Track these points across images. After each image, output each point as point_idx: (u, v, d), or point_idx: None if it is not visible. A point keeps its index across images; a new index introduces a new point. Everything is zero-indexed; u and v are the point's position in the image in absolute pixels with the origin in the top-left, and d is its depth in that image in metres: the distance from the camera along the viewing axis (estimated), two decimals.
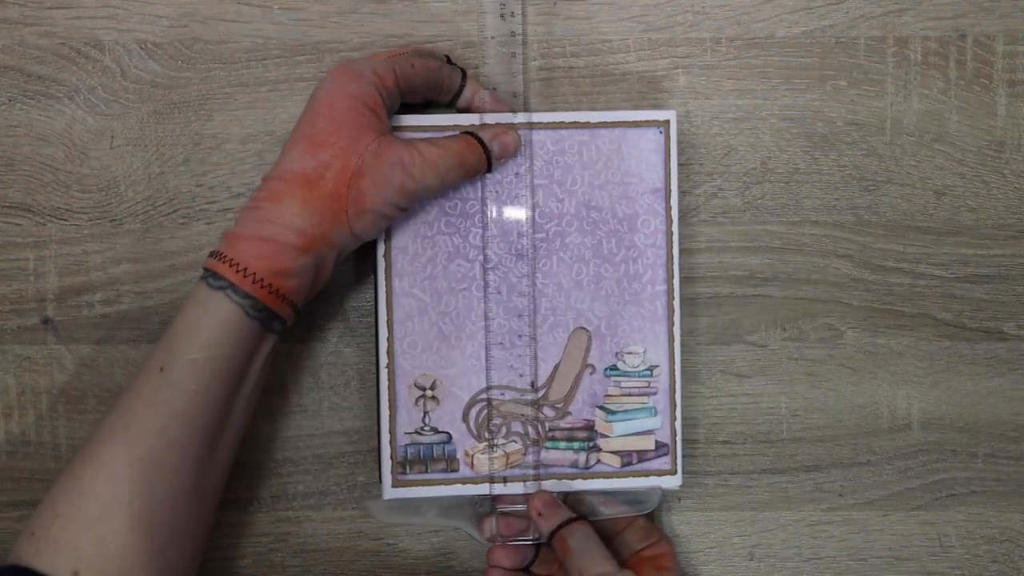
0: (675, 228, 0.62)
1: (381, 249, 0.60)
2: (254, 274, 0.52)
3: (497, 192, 0.61)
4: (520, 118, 0.60)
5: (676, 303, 0.62)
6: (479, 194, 0.61)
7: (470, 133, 0.59)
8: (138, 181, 0.64)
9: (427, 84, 0.59)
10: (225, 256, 0.53)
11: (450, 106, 0.61)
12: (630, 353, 0.62)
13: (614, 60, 0.64)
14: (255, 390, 0.57)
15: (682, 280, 0.64)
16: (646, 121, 0.61)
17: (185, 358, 0.52)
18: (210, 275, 0.53)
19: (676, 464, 0.62)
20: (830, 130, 0.65)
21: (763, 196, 0.65)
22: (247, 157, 0.64)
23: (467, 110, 0.61)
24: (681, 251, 0.64)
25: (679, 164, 0.63)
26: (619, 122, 0.61)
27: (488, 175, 0.60)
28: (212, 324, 0.52)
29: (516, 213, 0.61)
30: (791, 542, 0.67)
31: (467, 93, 0.60)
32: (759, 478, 0.66)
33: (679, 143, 0.63)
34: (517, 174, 0.61)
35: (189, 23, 0.63)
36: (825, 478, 0.66)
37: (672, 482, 0.62)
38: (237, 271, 0.52)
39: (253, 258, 0.52)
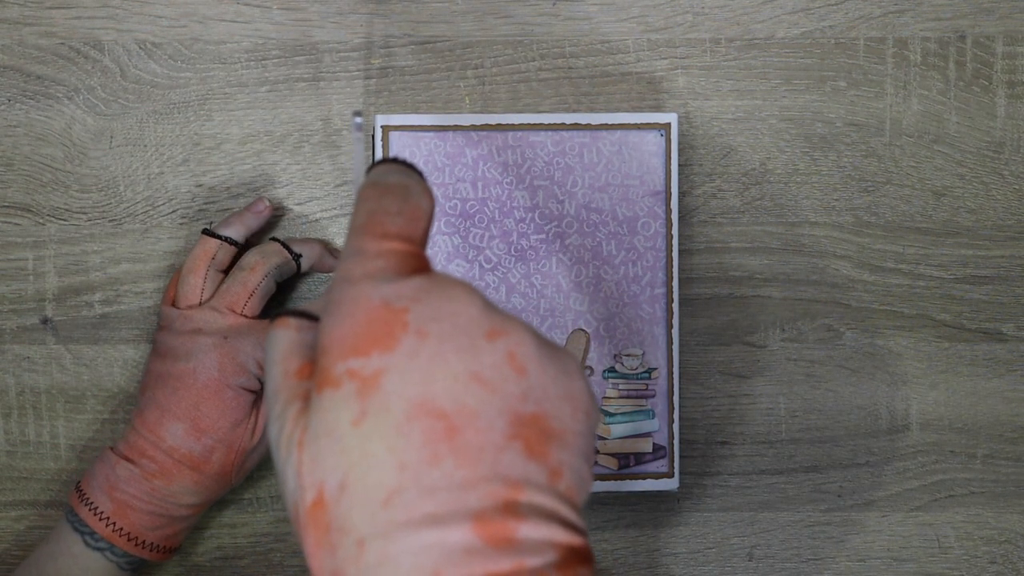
0: (675, 231, 0.62)
1: None
2: (143, 541, 0.56)
3: (497, 193, 0.61)
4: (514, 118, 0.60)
5: (675, 306, 0.62)
6: (479, 195, 0.61)
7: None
8: (137, 181, 0.64)
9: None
10: (114, 523, 0.56)
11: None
12: (628, 355, 0.62)
13: (614, 61, 0.64)
14: None
15: (681, 281, 0.64)
16: (647, 124, 0.61)
17: None
18: (88, 533, 0.56)
19: (673, 467, 0.62)
20: (829, 131, 0.65)
21: (762, 197, 0.65)
22: (246, 157, 0.64)
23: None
24: (680, 252, 0.64)
25: (678, 165, 0.63)
26: (620, 124, 0.61)
27: (488, 175, 0.60)
28: None
29: (516, 214, 0.61)
30: (790, 543, 0.67)
31: (306, 261, 0.62)
32: (758, 479, 0.66)
33: (679, 144, 0.63)
34: (517, 175, 0.61)
35: (189, 23, 0.63)
36: (824, 479, 0.66)
37: (669, 485, 0.62)
38: (129, 540, 0.56)
39: (147, 530, 0.57)
